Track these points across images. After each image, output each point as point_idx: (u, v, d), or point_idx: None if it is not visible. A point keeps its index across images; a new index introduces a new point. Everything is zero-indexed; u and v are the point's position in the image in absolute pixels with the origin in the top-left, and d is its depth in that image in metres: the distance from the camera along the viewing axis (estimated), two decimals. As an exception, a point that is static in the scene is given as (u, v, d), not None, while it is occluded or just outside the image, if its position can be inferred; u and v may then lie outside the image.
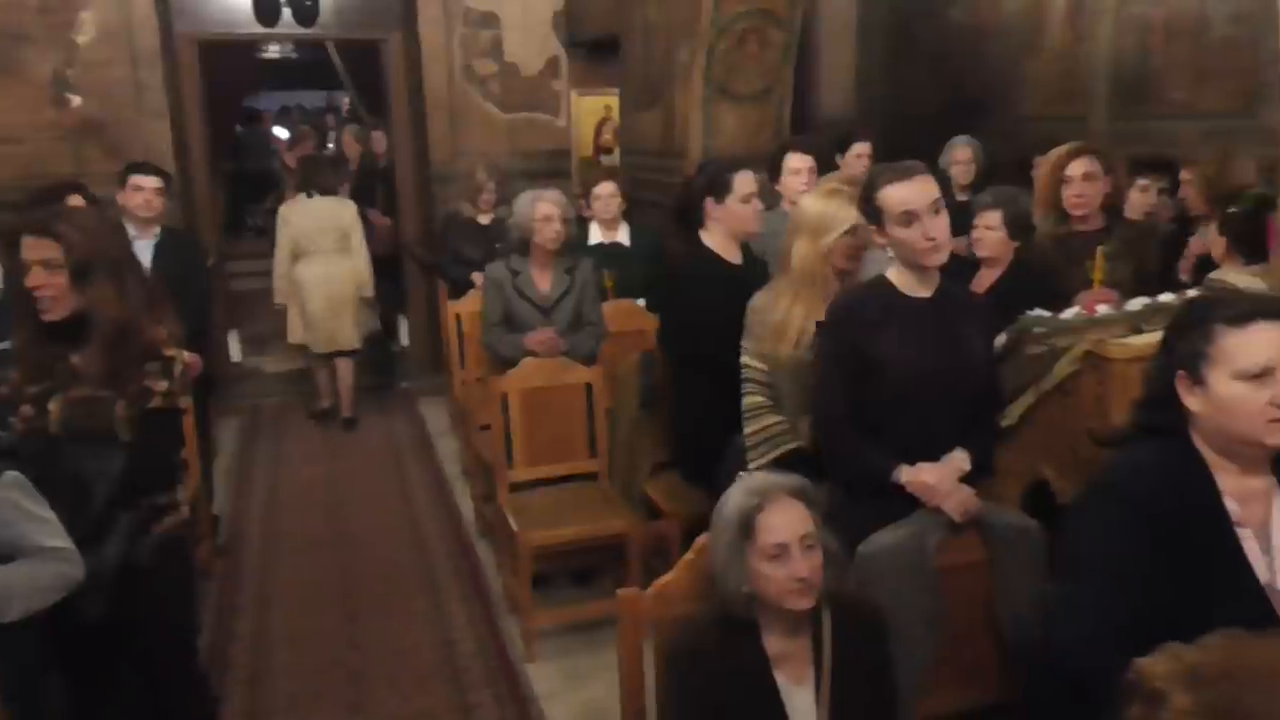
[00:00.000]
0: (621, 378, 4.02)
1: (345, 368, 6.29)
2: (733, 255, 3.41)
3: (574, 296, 3.96)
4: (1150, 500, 1.69)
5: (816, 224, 2.69)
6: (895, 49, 7.09)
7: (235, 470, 5.65)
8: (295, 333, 6.20)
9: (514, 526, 3.59)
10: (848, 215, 2.60)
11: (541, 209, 3.83)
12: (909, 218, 2.28)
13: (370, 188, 7.36)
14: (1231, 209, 2.79)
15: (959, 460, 2.40)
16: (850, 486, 2.43)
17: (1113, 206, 3.68)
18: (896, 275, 2.36)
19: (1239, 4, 4.51)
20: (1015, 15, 6.02)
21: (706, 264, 3.39)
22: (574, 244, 4.05)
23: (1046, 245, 3.52)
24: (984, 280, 3.36)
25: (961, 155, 5.15)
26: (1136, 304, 2.60)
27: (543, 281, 3.94)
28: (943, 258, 2.29)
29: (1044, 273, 3.36)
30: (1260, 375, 1.61)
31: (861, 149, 4.90)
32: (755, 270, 3.36)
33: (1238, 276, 2.32)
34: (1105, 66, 5.37)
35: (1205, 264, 3.31)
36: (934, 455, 2.37)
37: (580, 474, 3.92)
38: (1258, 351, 1.62)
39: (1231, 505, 1.71)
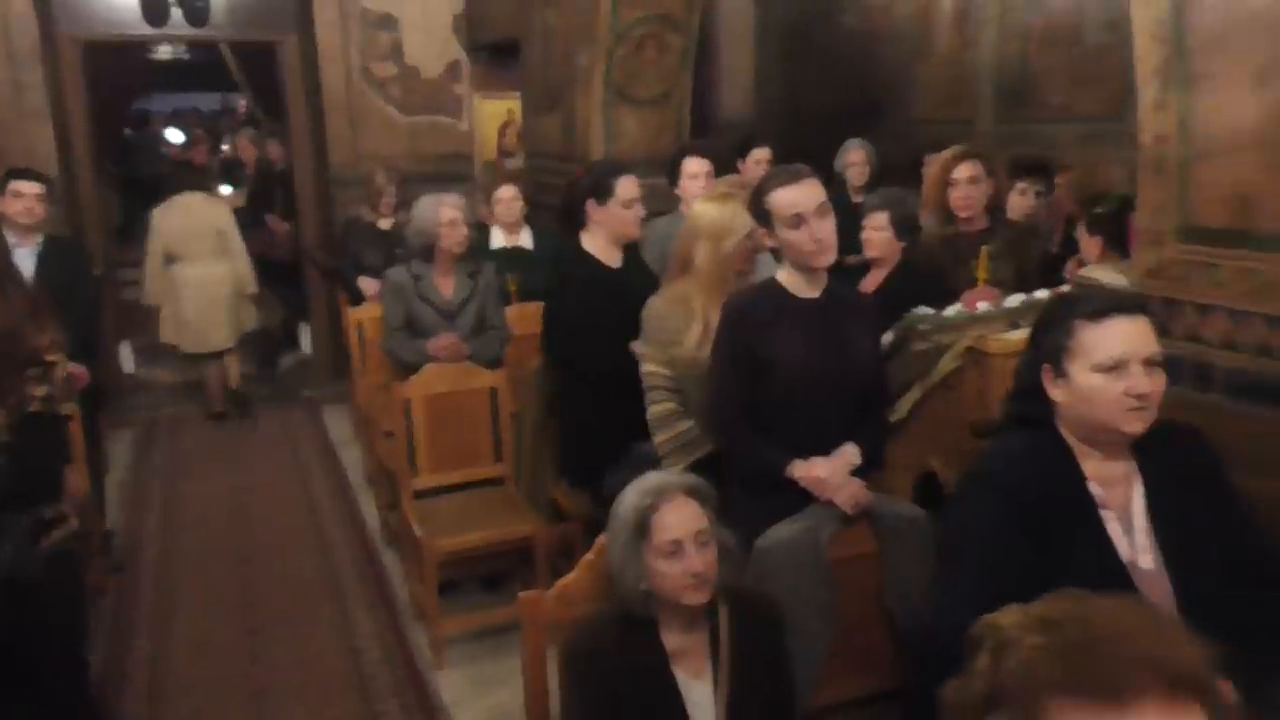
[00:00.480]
0: (526, 381, 4.02)
1: (228, 365, 6.45)
2: (612, 259, 3.40)
3: (477, 301, 3.95)
4: (1019, 487, 1.78)
5: (716, 228, 2.74)
6: (792, 53, 7.25)
7: (130, 484, 5.47)
8: (166, 331, 6.23)
9: (419, 534, 3.57)
10: (746, 219, 2.67)
11: (446, 213, 3.81)
12: (797, 220, 2.35)
13: (268, 192, 7.20)
14: (1097, 210, 2.95)
15: (849, 454, 2.48)
16: (746, 483, 2.49)
17: (996, 208, 3.85)
18: (786, 277, 2.43)
19: (1111, 13, 4.75)
20: (905, 21, 6.22)
21: (584, 267, 3.37)
22: (475, 248, 4.04)
23: (933, 245, 3.65)
24: (872, 280, 3.47)
25: (855, 157, 5.29)
26: (1014, 301, 2.73)
27: (445, 286, 3.92)
28: (830, 259, 2.36)
29: (931, 272, 3.49)
30: (1116, 367, 1.71)
31: (761, 154, 5.00)
32: (637, 274, 3.37)
33: (1104, 273, 2.46)
34: (990, 72, 5.59)
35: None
36: (825, 451, 2.44)
37: (486, 479, 3.92)
38: (1113, 345, 1.72)
39: (1096, 489, 1.81)
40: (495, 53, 6.59)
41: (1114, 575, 1.76)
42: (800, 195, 2.38)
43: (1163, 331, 2.15)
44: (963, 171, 3.55)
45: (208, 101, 14.43)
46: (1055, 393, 1.81)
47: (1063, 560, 1.76)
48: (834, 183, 4.96)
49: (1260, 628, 1.64)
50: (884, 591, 2.48)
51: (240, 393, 6.53)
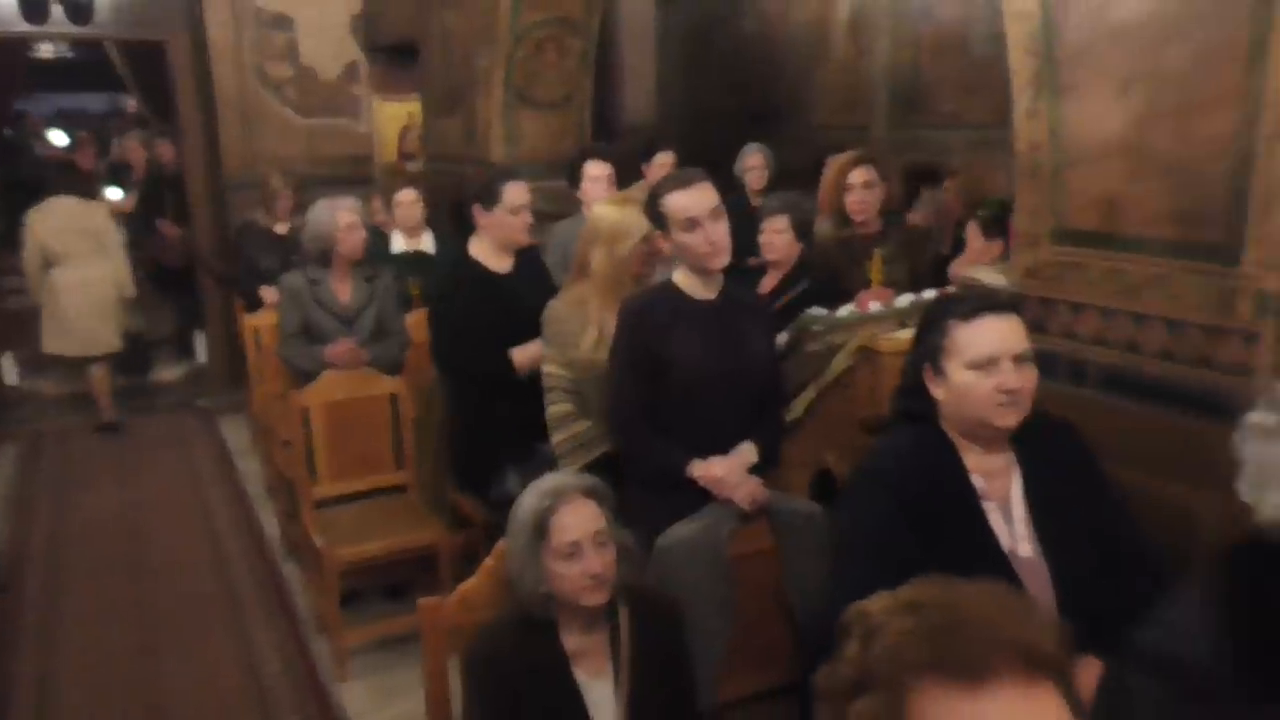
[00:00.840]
0: (428, 387, 3.99)
1: (101, 372, 6.24)
2: (501, 264, 3.38)
3: (375, 306, 3.90)
4: (904, 481, 1.85)
5: (613, 232, 2.76)
6: (694, 57, 7.33)
7: (15, 499, 5.24)
8: (49, 341, 6.04)
9: (319, 544, 3.50)
10: (642, 223, 2.69)
11: (343, 218, 3.75)
12: (691, 223, 2.39)
13: (158, 196, 6.96)
14: (980, 212, 3.06)
15: (747, 453, 2.52)
16: (646, 483, 2.51)
17: (890, 211, 3.97)
18: (682, 279, 2.47)
19: (994, 25, 4.91)
20: (803, 28, 6.34)
21: (470, 272, 3.35)
22: (374, 252, 3.98)
23: (829, 247, 3.75)
24: (770, 282, 3.54)
25: (754, 161, 5.36)
26: (904, 301, 2.81)
27: (343, 292, 3.86)
28: (724, 261, 2.40)
29: (826, 274, 3.58)
30: (987, 364, 1.79)
31: (665, 159, 5.04)
32: (528, 278, 3.37)
33: (985, 274, 2.56)
34: (884, 79, 5.74)
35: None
36: (723, 449, 2.48)
37: (388, 487, 3.86)
38: (984, 343, 1.80)
39: (978, 482, 1.88)
40: (394, 54, 6.50)
41: (995, 564, 1.84)
42: (694, 199, 2.41)
43: (1040, 329, 2.26)
44: (858, 176, 3.65)
45: (97, 102, 13.87)
46: (935, 390, 1.88)
47: (947, 550, 1.82)
48: (733, 186, 5.02)
49: (1129, 611, 1.73)
50: (783, 587, 2.53)
51: (114, 424, 6.34)
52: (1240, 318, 1.87)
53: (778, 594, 2.55)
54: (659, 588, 2.27)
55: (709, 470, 2.44)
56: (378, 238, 4.83)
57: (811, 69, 6.29)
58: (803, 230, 3.58)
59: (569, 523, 1.93)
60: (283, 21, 6.38)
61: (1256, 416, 1.11)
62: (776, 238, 3.59)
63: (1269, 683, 1.02)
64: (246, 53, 6.34)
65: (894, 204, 3.95)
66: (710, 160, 5.37)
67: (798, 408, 2.80)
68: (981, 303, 1.84)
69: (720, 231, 2.40)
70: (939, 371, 1.87)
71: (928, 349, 1.89)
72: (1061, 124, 2.16)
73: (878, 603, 0.96)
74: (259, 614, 3.98)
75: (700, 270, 2.42)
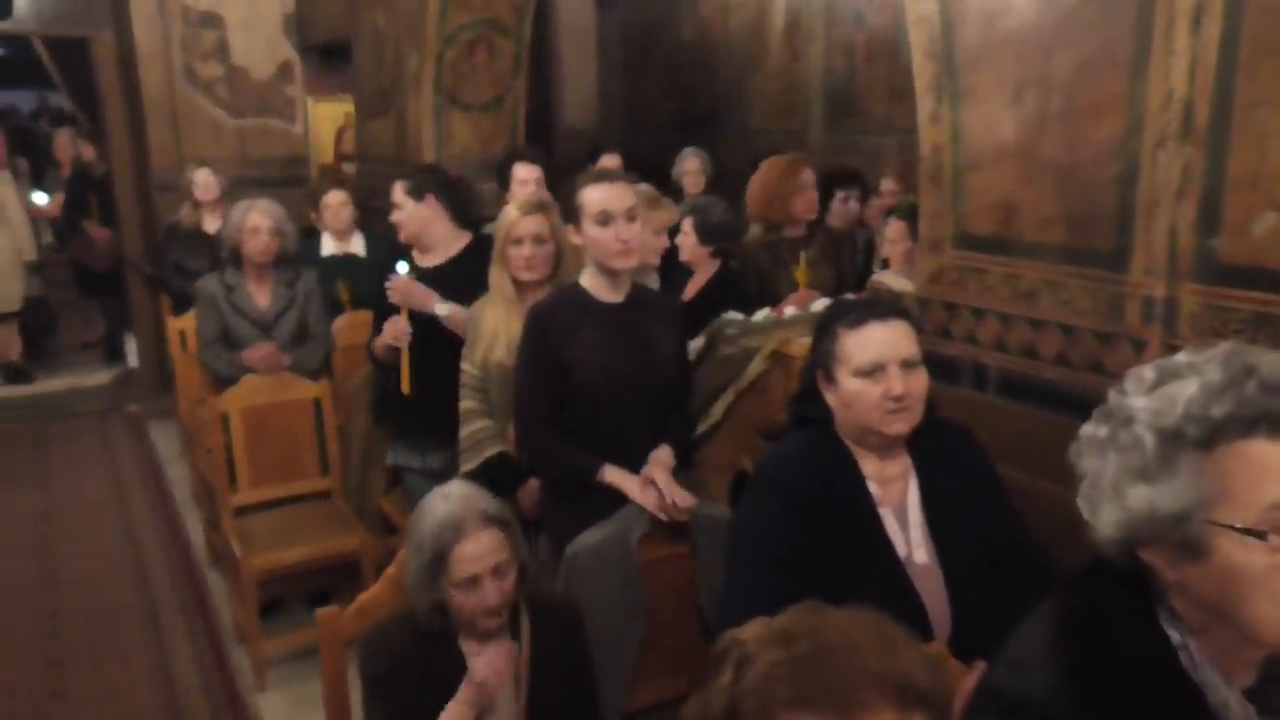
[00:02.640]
0: (352, 392, 3.93)
1: (7, 330, 7.11)
2: (425, 259, 3.34)
3: (296, 310, 3.83)
4: (797, 487, 1.84)
5: (500, 233, 2.77)
6: (633, 61, 7.33)
7: (-76, 511, 5.07)
8: None
9: (237, 552, 3.43)
10: (529, 225, 2.69)
11: (251, 219, 3.68)
12: (604, 218, 2.37)
13: (83, 197, 6.80)
14: (892, 216, 3.09)
15: (664, 457, 2.51)
16: (555, 488, 2.49)
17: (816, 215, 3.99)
18: (590, 280, 2.45)
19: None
20: (740, 33, 6.37)
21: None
22: (294, 256, 3.91)
23: (755, 250, 3.76)
24: (693, 286, 3.53)
25: (691, 165, 5.38)
26: (819, 305, 2.82)
27: (261, 296, 3.79)
28: (631, 263, 2.39)
29: (749, 277, 3.59)
30: (873, 371, 1.79)
31: (610, 161, 5.06)
32: (467, 279, 3.33)
33: (893, 279, 2.57)
34: (819, 83, 5.79)
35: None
36: (632, 453, 2.46)
37: (312, 493, 3.80)
38: (870, 350, 1.80)
39: (873, 488, 1.88)
40: (328, 54, 6.41)
41: (890, 570, 1.84)
42: (610, 195, 2.40)
43: (944, 335, 2.28)
44: (808, 178, 3.67)
45: (27, 100, 13.53)
46: (829, 397, 1.88)
47: (842, 557, 1.83)
48: (671, 190, 5.03)
49: (1023, 618, 1.74)
50: (697, 590, 2.52)
51: (18, 365, 7.21)
52: (1129, 324, 1.90)
53: (693, 599, 2.54)
54: (565, 595, 2.25)
55: (623, 477, 2.42)
56: (312, 240, 4.76)
57: (749, 73, 6.32)
58: (706, 233, 3.56)
59: (470, 554, 1.90)
60: (212, 19, 6.26)
61: (1088, 428, 1.10)
62: (683, 240, 3.59)
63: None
64: (174, 51, 6.20)
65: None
66: (650, 164, 5.40)
67: (716, 412, 2.80)
68: (868, 310, 1.85)
69: (632, 232, 2.39)
70: (830, 379, 1.87)
71: (820, 356, 1.89)
72: (962, 128, 2.18)
73: (751, 631, 0.95)
74: (179, 625, 3.89)
75: (606, 270, 2.41)
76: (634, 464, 2.47)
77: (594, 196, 2.40)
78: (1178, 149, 1.77)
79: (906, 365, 1.82)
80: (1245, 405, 0.97)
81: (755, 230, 3.92)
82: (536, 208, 2.89)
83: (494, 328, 2.81)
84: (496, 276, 2.85)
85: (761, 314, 2.78)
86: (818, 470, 1.87)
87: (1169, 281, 1.82)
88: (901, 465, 1.92)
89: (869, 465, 1.90)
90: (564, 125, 7.02)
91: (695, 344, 2.79)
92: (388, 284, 3.16)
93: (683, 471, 2.61)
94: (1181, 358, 1.05)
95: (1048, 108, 2.00)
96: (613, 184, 2.43)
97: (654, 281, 3.41)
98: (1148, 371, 1.06)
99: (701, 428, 2.80)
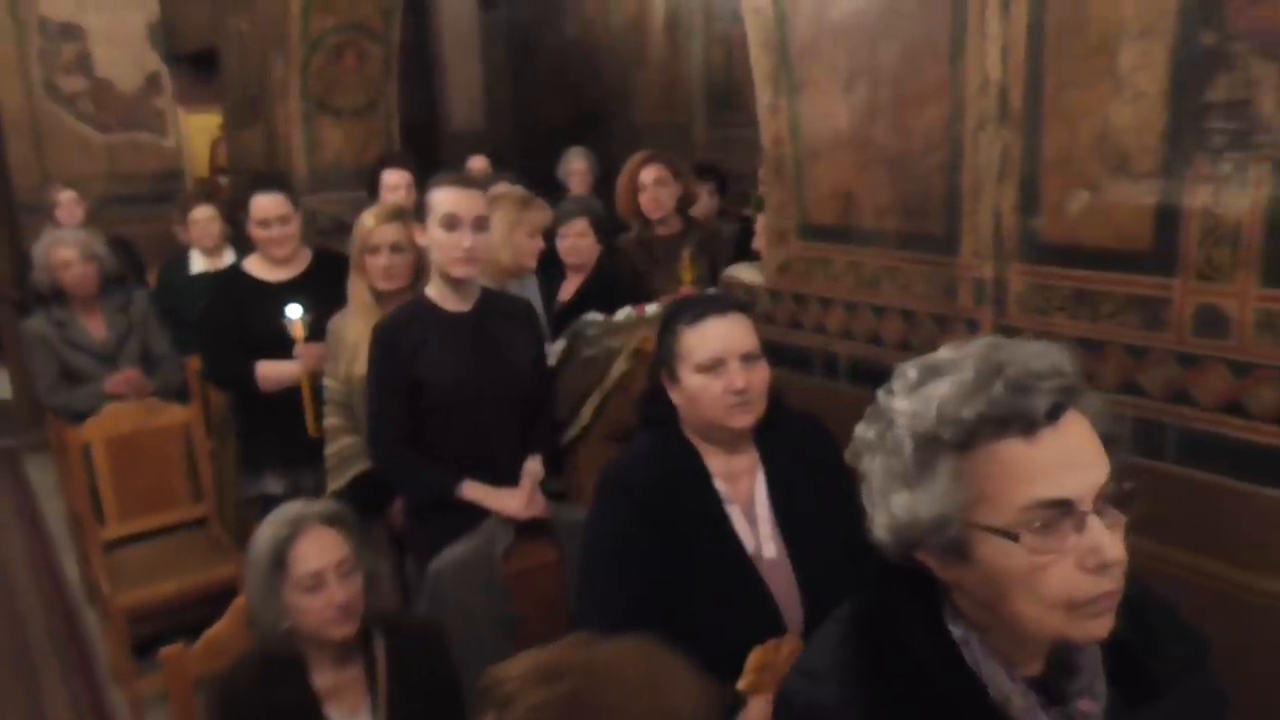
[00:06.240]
0: (222, 414, 3.80)
1: None
2: (276, 275, 3.24)
3: (137, 335, 3.67)
4: (644, 487, 1.82)
5: (355, 242, 2.70)
6: (518, 61, 7.25)
7: None
8: None
9: (106, 589, 3.28)
10: (386, 233, 2.62)
11: (58, 255, 3.53)
12: (451, 221, 2.32)
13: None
14: (745, 211, 3.09)
15: (533, 468, 2.47)
16: (417, 507, 2.43)
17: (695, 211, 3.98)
18: (435, 291, 2.39)
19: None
20: (621, 30, 6.34)
21: (235, 284, 3.24)
22: (119, 278, 3.78)
23: (631, 249, 3.73)
24: (570, 287, 3.49)
25: (577, 165, 5.33)
26: (686, 302, 2.80)
27: (95, 327, 3.62)
28: (471, 272, 2.34)
29: (628, 275, 3.56)
30: (714, 366, 1.78)
31: (477, 163, 4.99)
32: (317, 288, 3.23)
33: (745, 272, 2.57)
34: (700, 78, 5.79)
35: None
36: (496, 465, 2.41)
37: (186, 522, 3.66)
38: (710, 345, 1.78)
39: (720, 485, 1.87)
40: (199, 63, 6.20)
41: (739, 567, 1.82)
42: (460, 199, 2.34)
43: (795, 325, 2.28)
44: (648, 175, 3.64)
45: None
46: (673, 395, 1.86)
47: (690, 556, 1.81)
48: (557, 191, 4.98)
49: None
50: (569, 599, 2.48)
51: None
52: (963, 306, 1.91)
53: (565, 607, 2.50)
54: (425, 615, 2.19)
55: (485, 492, 2.37)
56: (180, 258, 4.60)
57: (632, 70, 6.30)
58: (601, 230, 3.55)
59: (309, 552, 1.84)
60: (72, 31, 6.00)
61: (860, 428, 1.09)
62: (580, 241, 3.54)
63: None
64: (32, 64, 5.93)
65: (694, 202, 3.96)
66: (540, 164, 5.34)
67: (585, 415, 2.76)
68: (706, 305, 1.83)
69: (477, 242, 2.34)
70: (673, 377, 1.85)
71: (663, 354, 1.87)
72: (800, 119, 2.18)
73: (517, 667, 0.93)
74: (54, 666, 3.72)
75: (448, 277, 2.35)
76: (499, 476, 2.43)
77: (444, 198, 2.35)
78: (996, 133, 1.79)
79: (746, 359, 1.81)
80: (995, 406, 0.95)
81: (632, 229, 3.89)
82: (394, 215, 2.81)
83: (356, 340, 2.72)
84: (355, 287, 2.77)
85: (623, 312, 2.75)
86: (663, 469, 1.85)
87: (996, 263, 1.83)
88: (749, 460, 1.90)
89: (715, 462, 1.88)
90: (449, 128, 6.91)
91: (556, 347, 2.75)
92: (297, 352, 2.99)
93: (556, 478, 2.57)
94: (943, 354, 1.03)
95: (877, 97, 2.01)
96: (464, 189, 2.38)
97: (533, 286, 3.36)
98: (911, 370, 1.04)
99: (572, 432, 2.76)
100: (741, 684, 1.65)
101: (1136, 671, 1.06)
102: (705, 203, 4.11)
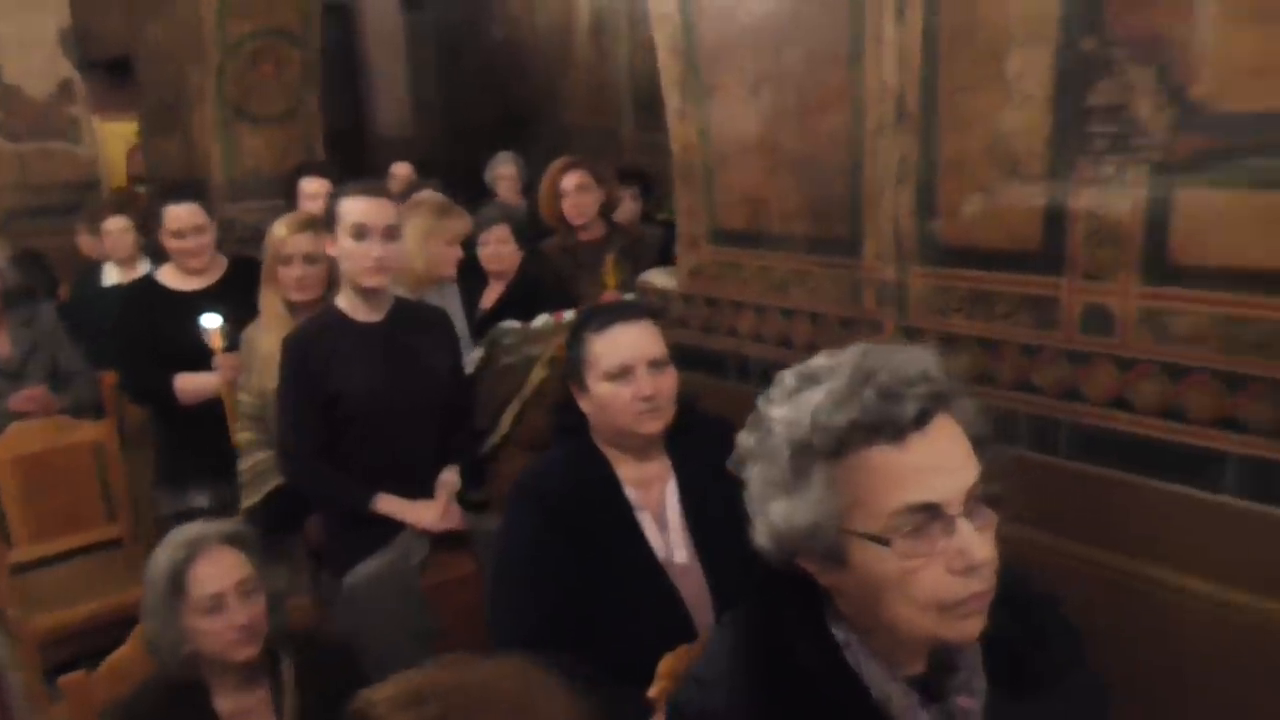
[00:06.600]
0: (139, 429, 3.70)
1: None
2: (189, 284, 3.17)
3: (44, 351, 3.56)
4: (554, 495, 1.82)
5: (268, 253, 2.65)
6: (446, 64, 7.19)
7: None
8: None
9: (14, 614, 3.17)
10: (295, 244, 2.58)
11: None
12: (360, 231, 2.28)
13: None
14: (660, 216, 3.10)
15: (449, 483, 2.45)
16: (333, 523, 2.40)
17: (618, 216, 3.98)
18: (346, 301, 2.36)
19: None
20: (548, 33, 6.33)
21: (146, 295, 3.17)
22: (22, 291, 3.66)
23: (554, 254, 3.72)
24: (492, 294, 3.46)
25: (505, 170, 5.29)
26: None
27: None
28: (382, 282, 2.31)
29: (551, 281, 3.54)
30: (622, 373, 1.78)
31: (400, 169, 4.93)
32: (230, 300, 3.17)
33: (660, 277, 2.57)
34: (626, 81, 5.80)
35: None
36: (413, 477, 2.39)
37: (101, 542, 3.56)
38: (617, 352, 1.79)
39: (631, 492, 1.87)
40: (114, 70, 6.03)
41: (651, 574, 1.82)
42: (369, 209, 2.31)
43: (709, 330, 2.29)
44: (570, 181, 3.63)
45: None
46: (582, 404, 1.86)
47: (602, 564, 1.80)
48: (485, 196, 4.95)
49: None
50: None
51: None
52: (868, 309, 1.94)
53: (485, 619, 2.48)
54: (336, 634, 2.16)
55: (403, 506, 2.34)
56: (92, 270, 4.48)
57: (560, 73, 6.29)
58: (522, 236, 3.52)
59: (208, 574, 1.81)
60: (-23, 37, 5.81)
61: (741, 436, 1.09)
62: (501, 248, 3.51)
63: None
64: (-64, 72, 5.73)
65: (616, 207, 3.96)
66: (469, 171, 5.29)
67: (505, 423, 2.74)
68: (613, 313, 1.84)
69: (388, 251, 2.30)
70: (582, 385, 1.85)
71: (572, 363, 1.87)
72: (709, 125, 2.19)
73: (385, 690, 0.91)
74: (-36, 698, 3.58)
75: (360, 290, 2.32)
76: (416, 488, 2.40)
77: (353, 207, 2.31)
78: (894, 137, 1.81)
79: (654, 365, 1.82)
80: (865, 413, 0.96)
81: (557, 235, 3.88)
82: (307, 225, 2.77)
83: (268, 352, 2.67)
84: (267, 298, 2.72)
85: (541, 319, 2.74)
86: (575, 478, 1.85)
87: (898, 265, 1.86)
88: (660, 466, 1.91)
89: (626, 469, 1.88)
90: (376, 134, 6.82)
91: (474, 356, 2.73)
92: (216, 363, 2.92)
93: (478, 488, 2.55)
94: (820, 361, 1.04)
95: (783, 102, 2.03)
96: (373, 198, 2.35)
97: (454, 295, 3.32)
98: (789, 378, 1.05)
99: (492, 441, 2.73)
100: (652, 691, 1.65)
101: (1017, 667, 1.08)
102: (629, 207, 4.11)
